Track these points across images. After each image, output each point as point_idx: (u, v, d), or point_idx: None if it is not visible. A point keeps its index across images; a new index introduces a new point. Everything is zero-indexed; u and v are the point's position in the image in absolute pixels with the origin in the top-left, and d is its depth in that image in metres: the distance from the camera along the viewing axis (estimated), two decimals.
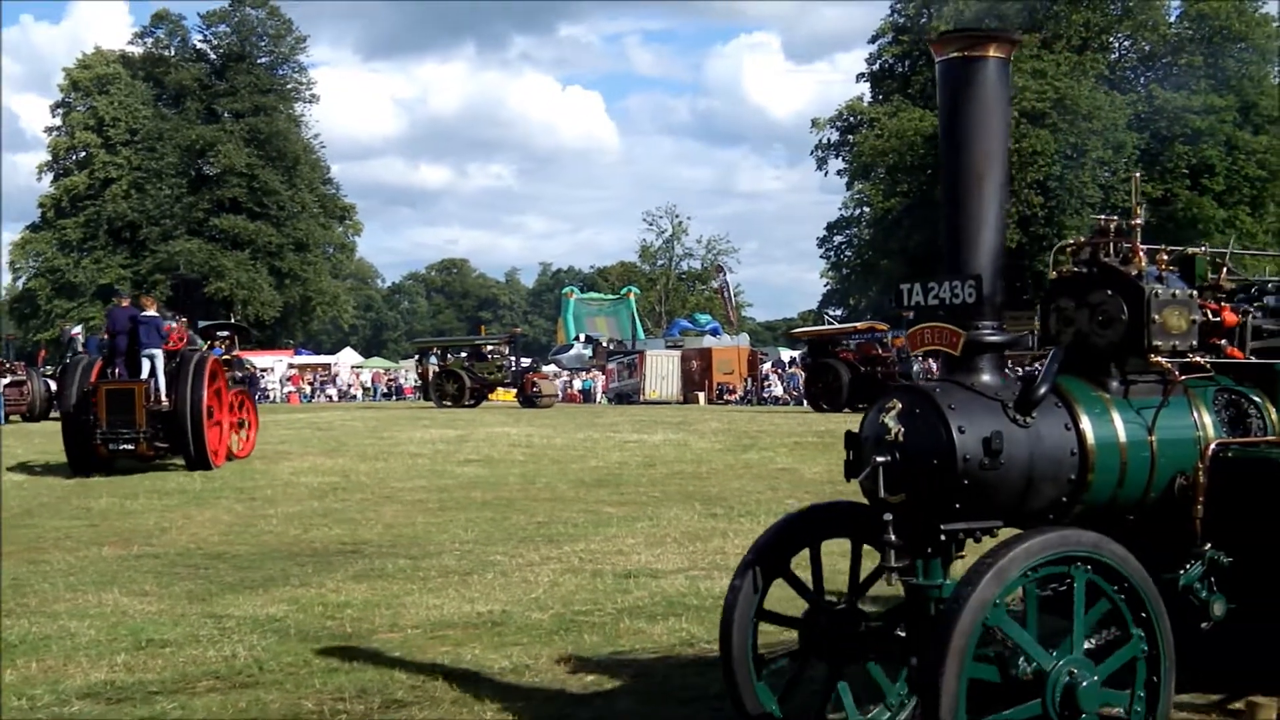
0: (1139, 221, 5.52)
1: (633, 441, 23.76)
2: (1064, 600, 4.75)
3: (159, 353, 19.50)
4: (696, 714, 6.44)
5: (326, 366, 70.68)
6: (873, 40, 69.80)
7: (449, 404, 41.64)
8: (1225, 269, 6.10)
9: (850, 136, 68.21)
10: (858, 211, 70.57)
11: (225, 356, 22.87)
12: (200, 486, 17.52)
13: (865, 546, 5.55)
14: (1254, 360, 5.86)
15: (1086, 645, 4.78)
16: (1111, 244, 5.53)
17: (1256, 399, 5.74)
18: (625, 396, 54.45)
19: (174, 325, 20.50)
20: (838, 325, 49.62)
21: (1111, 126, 57.27)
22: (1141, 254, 5.46)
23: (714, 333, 69.78)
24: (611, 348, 66.53)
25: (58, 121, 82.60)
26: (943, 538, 4.94)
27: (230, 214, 79.16)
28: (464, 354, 45.88)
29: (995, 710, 4.54)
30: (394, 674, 7.22)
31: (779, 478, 18.01)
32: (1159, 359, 5.33)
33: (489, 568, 10.84)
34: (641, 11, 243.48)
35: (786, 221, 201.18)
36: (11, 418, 34.70)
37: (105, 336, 21.67)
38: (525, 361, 47.58)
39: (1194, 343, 5.47)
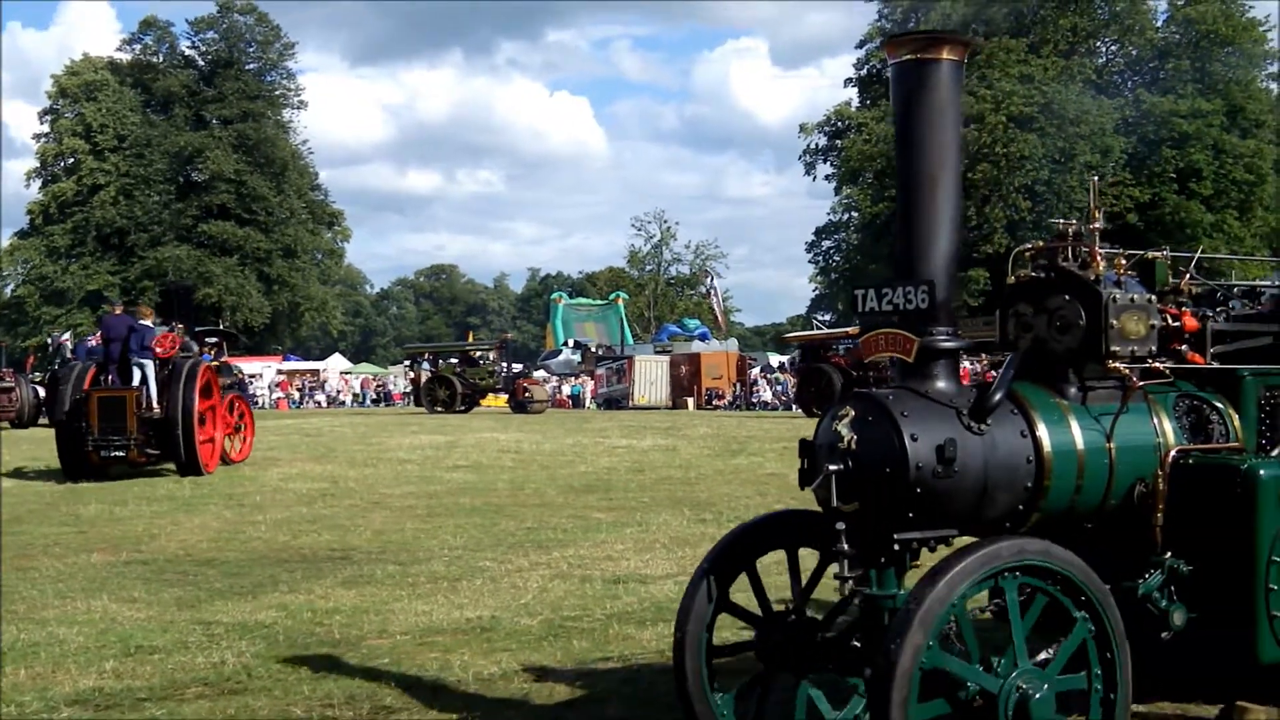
0: (1098, 225, 5.47)
1: (622, 447, 23.78)
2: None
3: (150, 361, 19.66)
4: None
5: (315, 372, 70.61)
6: (860, 45, 69.91)
7: (441, 410, 41.63)
8: (1188, 274, 5.99)
9: (838, 141, 68.18)
10: (846, 216, 70.52)
11: (214, 363, 22.86)
12: (189, 493, 17.50)
13: (803, 551, 5.47)
14: (1216, 366, 5.78)
15: (1046, 655, 4.70)
16: (1070, 248, 5.46)
17: (1219, 405, 5.67)
18: (614, 402, 54.45)
19: (170, 332, 20.58)
20: (829, 330, 49.66)
21: (1099, 131, 57.33)
22: (1099, 258, 5.39)
23: (703, 338, 69.76)
24: (600, 353, 66.50)
25: (46, 128, 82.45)
26: (896, 547, 4.85)
27: (219, 220, 79.04)
28: (455, 360, 45.87)
29: None
30: (383, 680, 7.22)
31: (768, 483, 18.02)
32: (1117, 365, 5.26)
33: (478, 574, 10.84)
34: (629, 17, 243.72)
35: (775, 226, 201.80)
36: (0, 424, 34.63)
37: (93, 341, 21.74)
38: (517, 367, 47.59)
39: (1153, 348, 5.40)
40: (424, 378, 45.04)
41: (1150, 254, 5.97)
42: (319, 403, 63.12)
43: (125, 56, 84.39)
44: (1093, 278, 5.33)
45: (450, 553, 12.16)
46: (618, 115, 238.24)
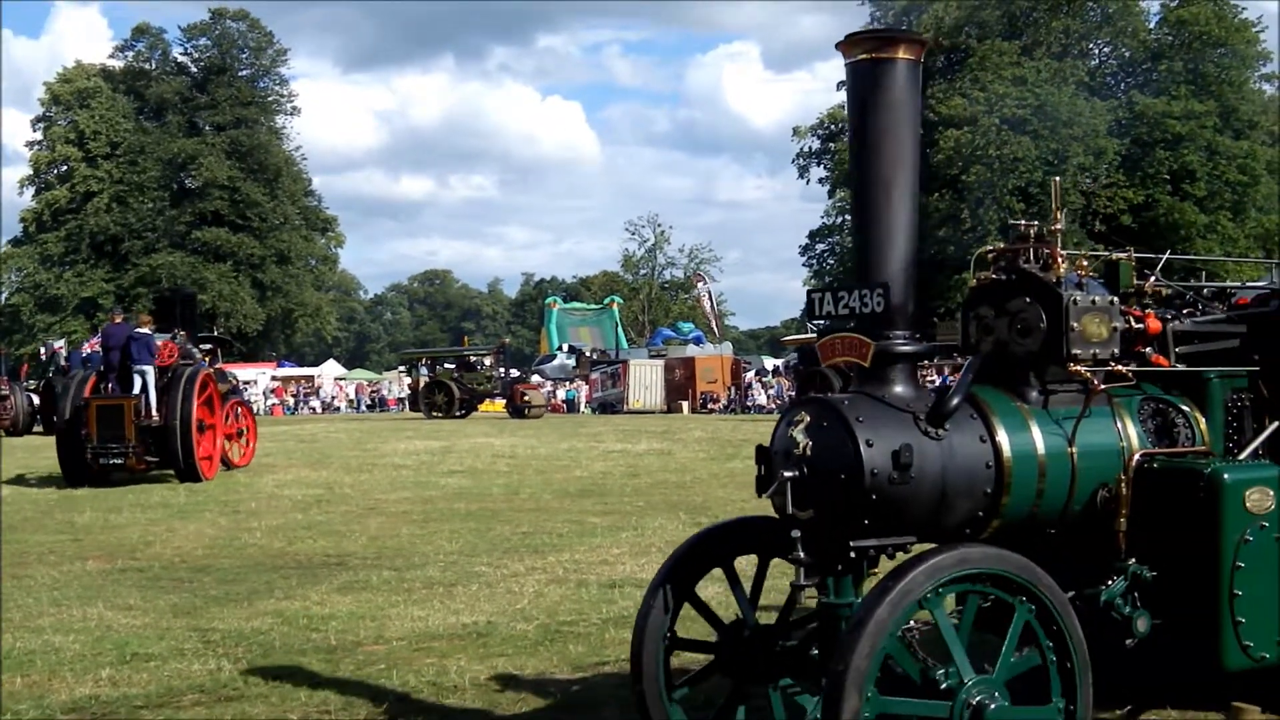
0: (1059, 227, 5.38)
1: (617, 451, 23.80)
2: (996, 620, 4.63)
3: (150, 369, 19.82)
4: None
5: (310, 378, 70.55)
6: None
7: (438, 415, 41.66)
8: (1152, 276, 5.84)
9: (832, 144, 68.25)
10: (840, 219, 70.60)
11: (208, 369, 22.88)
12: (184, 500, 17.50)
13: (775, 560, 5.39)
14: (1181, 368, 5.66)
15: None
16: (1032, 250, 5.37)
17: (1185, 408, 5.55)
18: (609, 406, 54.47)
19: (171, 340, 20.66)
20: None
21: (1092, 133, 57.35)
22: (1060, 260, 5.29)
23: (697, 342, 69.87)
24: (595, 357, 66.58)
25: (39, 136, 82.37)
26: (852, 555, 4.77)
27: (212, 227, 79.10)
28: (452, 365, 45.90)
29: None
30: (379, 686, 7.22)
31: None
32: (1079, 368, 5.15)
33: (474, 579, 10.84)
34: (621, 22, 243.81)
35: (768, 230, 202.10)
36: None
37: (88, 349, 21.83)
38: (514, 372, 47.62)
39: (1116, 350, 5.29)
40: (421, 383, 45.05)
41: (1115, 254, 5.87)
42: (314, 409, 63.10)
43: (118, 63, 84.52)
44: (1054, 280, 5.24)
45: (446, 558, 12.16)
46: (610, 120, 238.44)
